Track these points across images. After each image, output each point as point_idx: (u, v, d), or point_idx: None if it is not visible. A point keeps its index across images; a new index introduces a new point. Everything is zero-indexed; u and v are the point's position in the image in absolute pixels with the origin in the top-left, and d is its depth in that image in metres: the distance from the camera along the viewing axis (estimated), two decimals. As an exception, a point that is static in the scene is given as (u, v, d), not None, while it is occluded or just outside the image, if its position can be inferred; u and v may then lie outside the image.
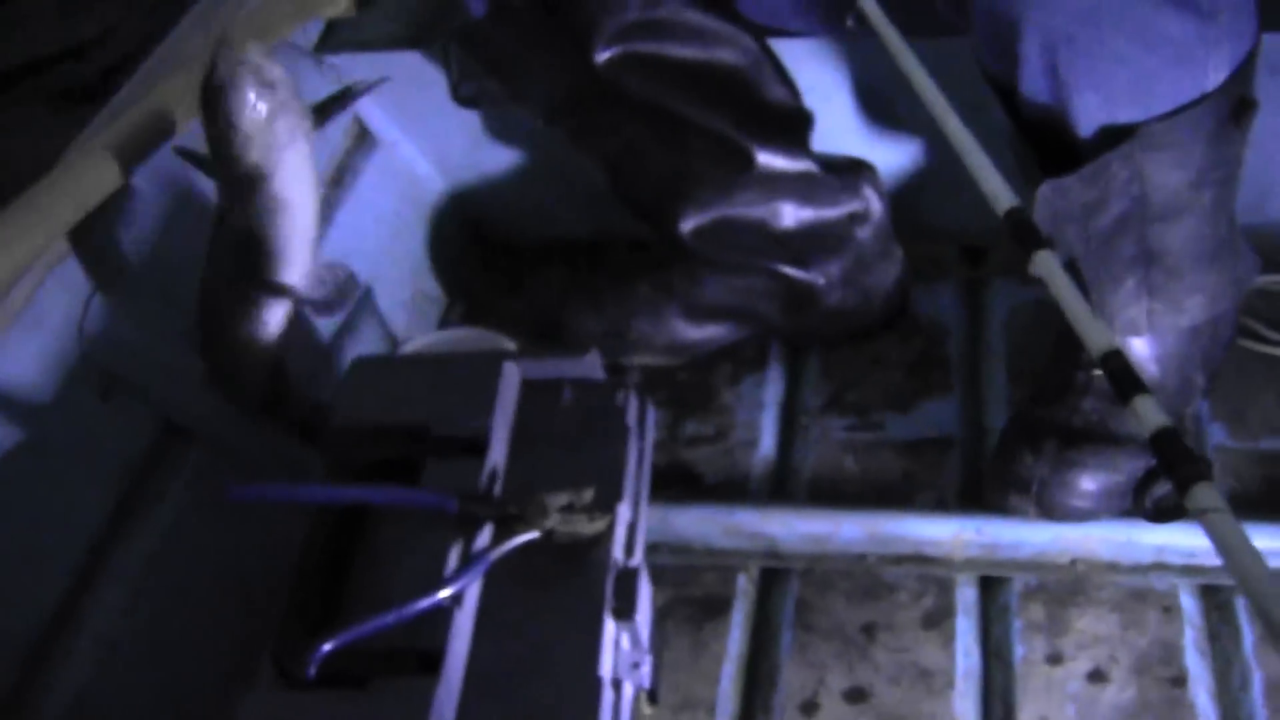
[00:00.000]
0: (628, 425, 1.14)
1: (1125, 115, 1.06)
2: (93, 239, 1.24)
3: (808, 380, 1.56)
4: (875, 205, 1.49)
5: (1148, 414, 0.83)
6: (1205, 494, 0.75)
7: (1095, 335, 0.88)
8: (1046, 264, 0.93)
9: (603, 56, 1.35)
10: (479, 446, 1.04)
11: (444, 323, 1.70)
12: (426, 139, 1.73)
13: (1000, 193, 0.97)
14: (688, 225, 1.43)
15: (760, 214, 1.44)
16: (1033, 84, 1.07)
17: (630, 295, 1.52)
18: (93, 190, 1.19)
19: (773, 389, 1.55)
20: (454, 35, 1.45)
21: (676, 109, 1.38)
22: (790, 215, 1.45)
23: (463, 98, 1.47)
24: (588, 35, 1.35)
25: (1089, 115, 1.07)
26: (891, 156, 1.60)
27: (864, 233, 1.49)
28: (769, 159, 1.41)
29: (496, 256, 1.79)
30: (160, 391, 1.29)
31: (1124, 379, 0.85)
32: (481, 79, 1.47)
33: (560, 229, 1.77)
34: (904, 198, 1.61)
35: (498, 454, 1.06)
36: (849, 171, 1.49)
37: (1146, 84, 1.04)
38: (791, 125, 1.43)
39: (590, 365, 1.16)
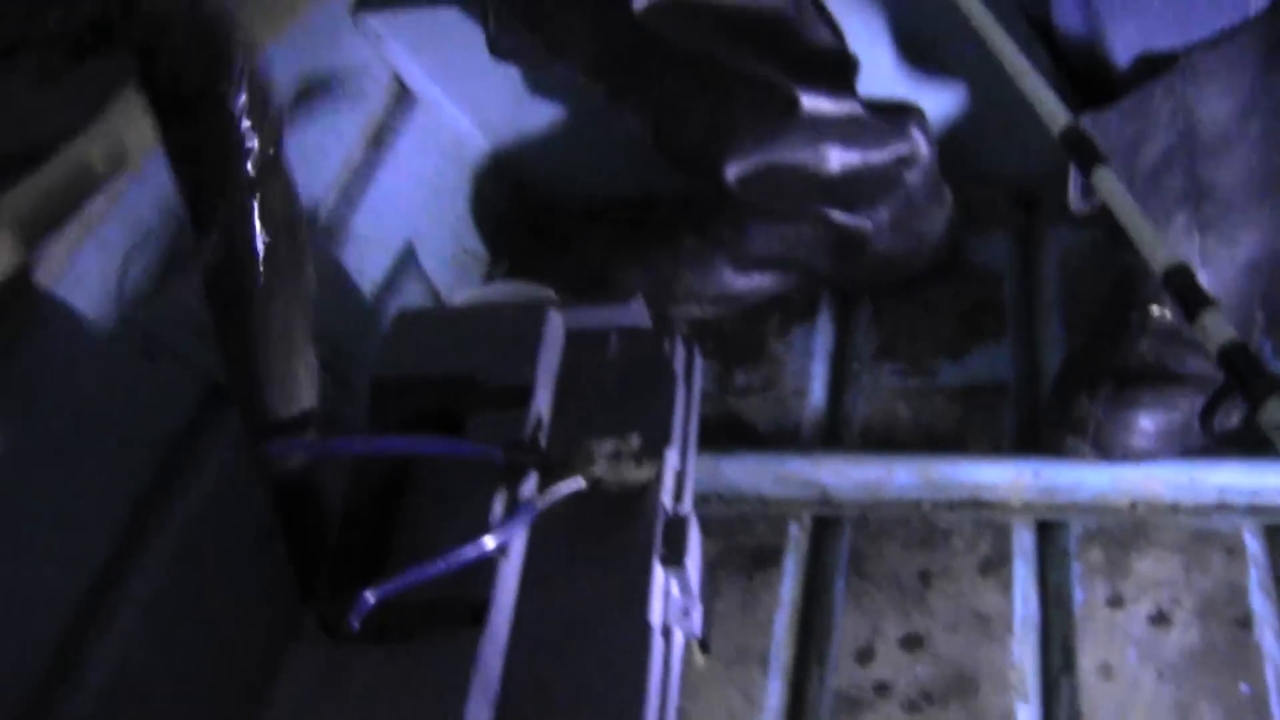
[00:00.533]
0: (675, 372, 1.12)
1: (1164, 43, 1.03)
2: (128, 196, 1.23)
3: (858, 328, 1.54)
4: (923, 148, 1.46)
5: (1216, 328, 0.79)
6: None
7: (1158, 251, 0.85)
8: (1106, 180, 0.90)
9: (641, 4, 1.33)
10: (524, 396, 1.03)
11: (488, 280, 1.69)
12: (467, 97, 1.71)
13: (1056, 111, 0.94)
14: (733, 173, 1.41)
15: (806, 159, 1.41)
16: (1066, 15, 1.04)
17: (677, 247, 1.50)
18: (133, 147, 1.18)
19: (822, 338, 1.53)
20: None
21: (717, 55, 1.35)
22: (837, 160, 1.42)
23: (501, 51, 1.45)
24: None
25: (1126, 44, 1.04)
26: (940, 100, 1.57)
27: (913, 177, 1.46)
28: (814, 103, 1.38)
29: (540, 215, 1.77)
30: (202, 352, 1.28)
31: (1189, 294, 0.82)
32: (520, 32, 1.45)
33: (604, 187, 1.75)
34: (954, 142, 1.58)
35: (542, 403, 1.05)
36: (896, 114, 1.46)
37: (1185, 8, 1.00)
38: (836, 68, 1.41)
39: (636, 313, 1.15)
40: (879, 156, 1.44)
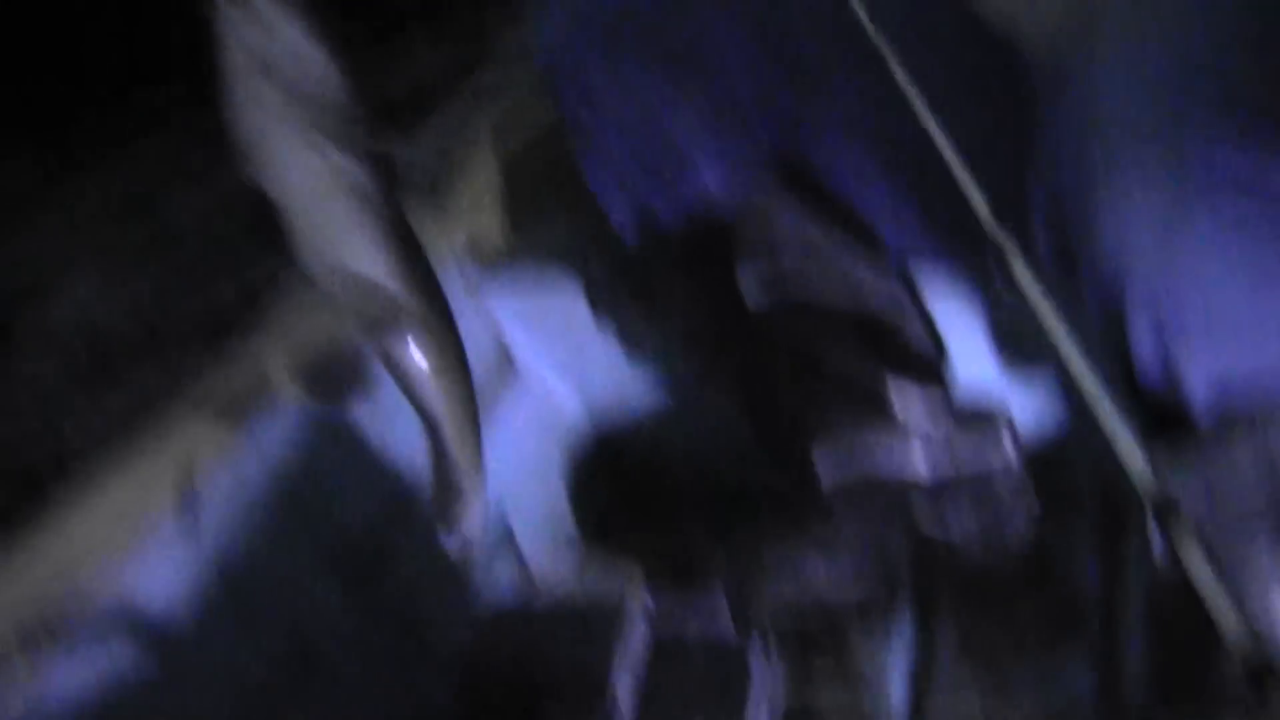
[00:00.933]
0: (757, 680, 1.12)
1: (1245, 405, 1.03)
2: None
3: (938, 637, 1.52)
4: (1013, 460, 1.46)
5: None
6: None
7: (1239, 634, 0.84)
8: (1190, 550, 0.89)
9: (753, 300, 1.36)
10: (602, 692, 1.03)
11: (578, 558, 1.69)
12: (571, 369, 1.74)
13: (1141, 472, 0.94)
14: (823, 470, 1.42)
15: (897, 464, 1.42)
16: (1146, 369, 1.05)
17: (764, 545, 1.51)
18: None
19: (901, 645, 1.51)
20: (601, 261, 1.48)
21: (817, 352, 1.38)
22: (927, 467, 1.43)
23: (602, 320, 1.49)
24: (739, 278, 1.36)
25: (1206, 403, 1.04)
26: (1030, 402, 1.58)
27: (1002, 487, 1.46)
28: (907, 409, 1.40)
29: (634, 490, 1.78)
30: (290, 612, 1.29)
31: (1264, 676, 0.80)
32: (624, 304, 1.49)
33: (701, 465, 1.76)
34: (1042, 438, 1.58)
35: (625, 705, 1.05)
36: (987, 423, 1.47)
37: (1269, 374, 1.01)
38: (932, 373, 1.43)
39: (721, 617, 1.15)
40: (970, 466, 1.45)
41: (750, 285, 1.36)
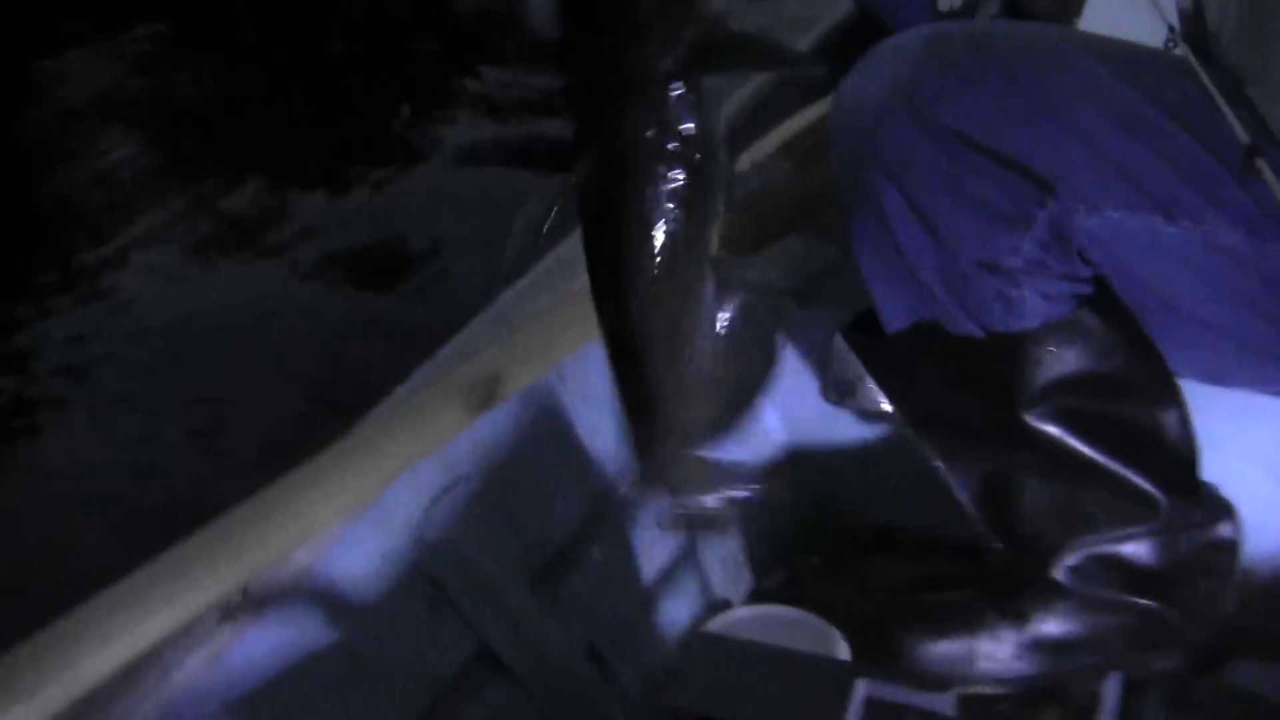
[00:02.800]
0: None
1: None
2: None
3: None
4: (1233, 535, 1.38)
5: None
6: None
7: None
8: None
9: (1027, 409, 1.28)
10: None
11: (760, 588, 1.63)
12: (781, 393, 1.68)
13: None
14: (1066, 563, 1.34)
15: (1136, 552, 1.34)
16: None
17: (975, 620, 1.43)
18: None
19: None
20: (846, 328, 1.40)
21: (1086, 452, 1.29)
22: (1165, 549, 1.35)
23: (834, 398, 1.42)
24: (1017, 385, 1.27)
25: None
26: (1259, 519, 1.49)
27: (1223, 562, 1.38)
28: (1174, 508, 1.31)
29: (823, 529, 1.72)
30: (480, 615, 1.25)
31: None
32: (858, 376, 1.42)
33: (894, 517, 1.69)
34: (1264, 568, 1.50)
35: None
36: (1212, 503, 1.39)
37: None
38: (1191, 473, 1.34)
39: (945, 702, 1.08)
40: (1200, 541, 1.37)
41: (1036, 407, 1.27)
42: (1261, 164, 1.04)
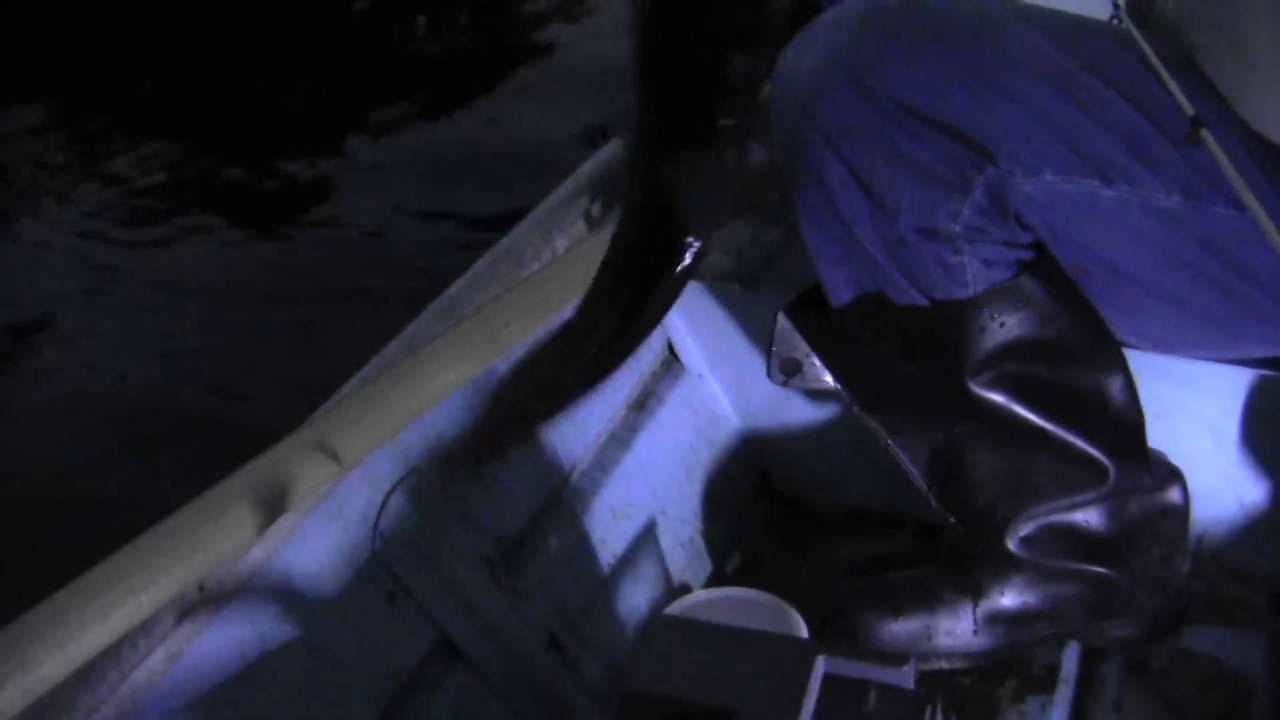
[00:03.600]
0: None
1: None
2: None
3: (1096, 711, 1.44)
4: (1182, 500, 1.40)
5: None
6: None
7: None
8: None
9: (977, 384, 1.29)
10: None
11: (719, 572, 1.63)
12: (731, 377, 1.70)
13: None
14: (1020, 532, 1.35)
15: (1088, 519, 1.35)
16: None
17: (932, 596, 1.43)
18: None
19: (1058, 715, 1.42)
20: (788, 305, 1.40)
21: (1034, 420, 1.30)
22: (1115, 516, 1.36)
23: (780, 378, 1.43)
24: (961, 354, 1.28)
25: None
26: (1209, 486, 1.51)
27: (1173, 528, 1.40)
28: (1122, 473, 1.33)
29: (780, 510, 1.73)
30: (438, 606, 1.25)
31: None
32: (804, 354, 1.42)
33: (851, 496, 1.70)
34: (1216, 534, 1.54)
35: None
36: (1162, 465, 1.41)
37: None
38: (1138, 438, 1.36)
39: (904, 675, 1.08)
40: (1150, 507, 1.38)
41: (981, 375, 1.28)
42: (1205, 134, 1.05)
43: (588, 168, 1.68)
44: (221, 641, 1.07)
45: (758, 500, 1.74)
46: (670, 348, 1.68)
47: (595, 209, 1.64)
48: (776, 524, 1.71)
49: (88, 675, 0.95)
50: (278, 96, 5.15)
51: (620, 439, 1.56)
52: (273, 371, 3.20)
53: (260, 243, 4.12)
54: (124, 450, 3.02)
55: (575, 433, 1.48)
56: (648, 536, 1.52)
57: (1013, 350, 1.27)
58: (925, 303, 1.25)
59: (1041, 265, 1.25)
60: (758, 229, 1.64)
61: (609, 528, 1.46)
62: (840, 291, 1.29)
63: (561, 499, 1.44)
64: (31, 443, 3.17)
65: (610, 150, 1.73)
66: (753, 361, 1.65)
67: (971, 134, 1.17)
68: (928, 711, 1.09)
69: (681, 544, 1.59)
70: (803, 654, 1.06)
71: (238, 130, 4.87)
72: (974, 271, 1.23)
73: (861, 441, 1.60)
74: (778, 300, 1.44)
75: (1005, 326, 1.25)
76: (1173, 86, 1.06)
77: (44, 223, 4.39)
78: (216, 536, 1.00)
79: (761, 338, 1.62)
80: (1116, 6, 1.20)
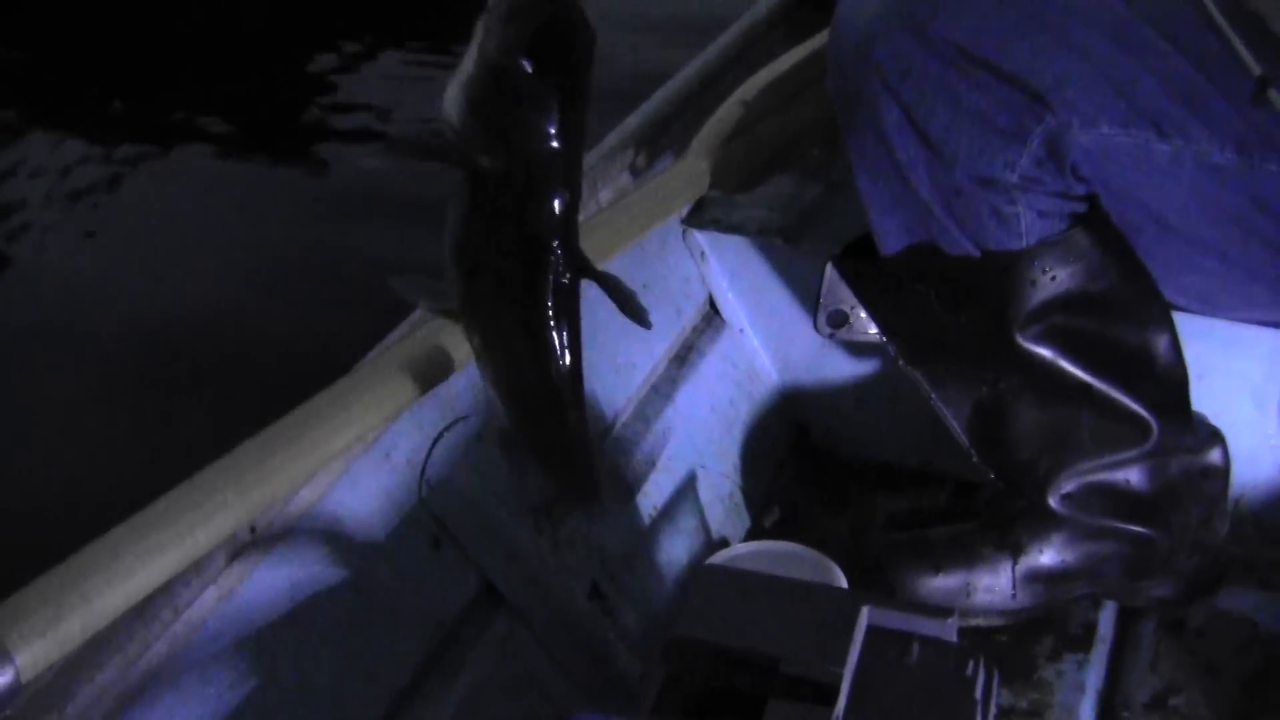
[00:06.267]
0: (975, 699, 1.06)
1: None
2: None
3: (1133, 669, 1.45)
4: (1223, 462, 1.40)
5: None
6: None
7: None
8: None
9: (1020, 329, 1.28)
10: (827, 693, 0.98)
11: (758, 526, 1.64)
12: (773, 333, 1.70)
13: None
14: (1062, 489, 1.35)
15: (1131, 477, 1.35)
16: None
17: (971, 553, 1.44)
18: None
19: (1095, 673, 1.44)
20: (837, 257, 1.40)
21: (1079, 374, 1.30)
22: (1157, 475, 1.36)
23: (826, 330, 1.42)
24: (1010, 306, 1.27)
25: None
26: (1249, 449, 1.50)
27: (1213, 489, 1.40)
28: (1166, 432, 1.32)
29: (818, 466, 1.73)
30: (482, 552, 1.26)
31: None
32: (850, 306, 1.41)
33: (889, 452, 1.70)
34: (1254, 497, 1.53)
35: (842, 705, 0.99)
36: (1203, 427, 1.41)
37: None
38: (1182, 397, 1.35)
39: (947, 629, 1.09)
40: (1191, 467, 1.38)
41: (1030, 328, 1.27)
42: (1274, 93, 1.05)
43: (632, 121, 1.68)
44: (271, 582, 1.08)
45: (796, 455, 1.74)
46: (711, 302, 1.68)
47: (639, 161, 1.64)
48: (815, 479, 1.71)
49: (143, 610, 0.97)
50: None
51: (661, 392, 1.56)
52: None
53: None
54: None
55: (619, 382, 1.48)
56: (687, 489, 1.53)
57: (1061, 304, 1.26)
58: (977, 253, 1.25)
59: (1093, 218, 1.25)
60: (799, 184, 1.64)
61: (649, 479, 1.47)
62: (891, 240, 1.29)
63: (603, 449, 1.45)
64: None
65: (653, 105, 1.73)
66: (793, 316, 1.65)
67: (1031, 83, 1.16)
68: (970, 665, 1.09)
69: (720, 497, 1.60)
70: (848, 604, 1.07)
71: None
72: (1028, 222, 1.23)
73: (900, 398, 1.61)
74: (819, 256, 1.44)
75: (1056, 280, 1.25)
76: (1238, 44, 1.05)
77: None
78: (268, 478, 1.01)
79: (802, 293, 1.62)
80: None
